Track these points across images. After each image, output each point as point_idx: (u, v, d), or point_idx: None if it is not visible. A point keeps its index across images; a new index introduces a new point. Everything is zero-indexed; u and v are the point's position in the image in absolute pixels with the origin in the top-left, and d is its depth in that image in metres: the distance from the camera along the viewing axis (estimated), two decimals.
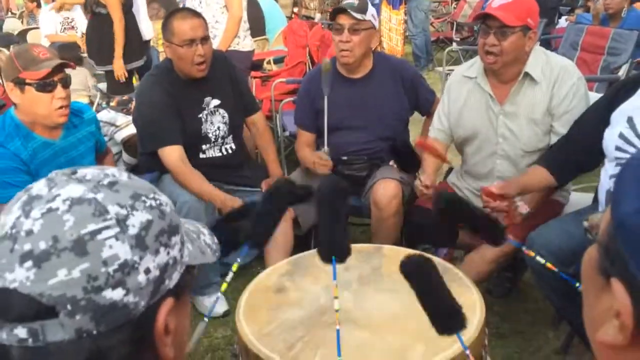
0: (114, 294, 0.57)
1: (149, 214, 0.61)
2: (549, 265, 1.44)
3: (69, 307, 0.55)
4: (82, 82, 4.72)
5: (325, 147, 2.43)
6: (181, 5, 7.75)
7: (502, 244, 1.47)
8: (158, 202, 0.64)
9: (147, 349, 0.60)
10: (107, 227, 0.58)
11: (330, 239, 1.26)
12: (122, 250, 0.58)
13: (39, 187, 0.60)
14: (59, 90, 2.03)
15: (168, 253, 0.62)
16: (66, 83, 2.07)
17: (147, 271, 0.59)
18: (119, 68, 4.24)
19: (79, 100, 4.71)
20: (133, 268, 0.58)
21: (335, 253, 1.24)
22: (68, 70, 2.10)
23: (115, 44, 4.18)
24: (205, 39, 2.48)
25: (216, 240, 0.75)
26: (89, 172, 0.63)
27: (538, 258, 1.47)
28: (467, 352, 1.15)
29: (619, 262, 0.48)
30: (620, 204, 0.49)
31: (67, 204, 0.58)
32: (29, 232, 0.56)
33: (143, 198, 0.62)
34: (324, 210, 1.27)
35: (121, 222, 0.59)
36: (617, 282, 0.48)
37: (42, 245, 0.56)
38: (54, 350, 0.55)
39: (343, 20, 2.44)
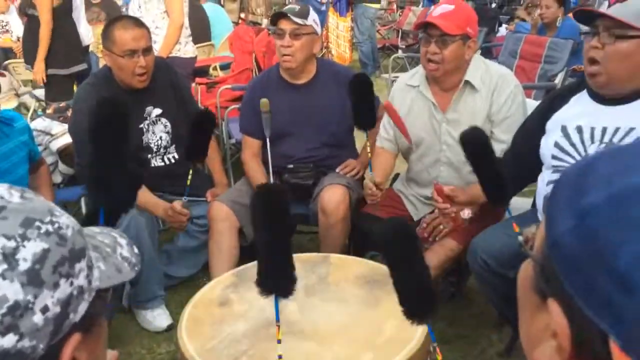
0: (5, 341, 0.49)
1: (44, 242, 0.53)
2: None
3: None
4: (8, 85, 4.57)
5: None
6: (123, 10, 7.57)
7: (502, 205, 1.44)
8: (56, 225, 0.55)
9: None
10: None
11: (272, 273, 1.10)
12: (11, 291, 0.50)
13: None
14: None
15: (71, 284, 0.54)
16: None
17: (45, 310, 0.52)
18: (38, 71, 4.11)
19: (9, 103, 4.53)
20: (26, 309, 0.50)
21: (277, 290, 1.11)
22: None
23: (39, 47, 4.04)
24: (147, 50, 2.42)
25: (136, 251, 0.68)
26: None
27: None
28: (435, 344, 1.10)
29: (554, 282, 0.47)
30: (554, 223, 0.48)
31: None
32: None
33: (37, 223, 0.54)
34: (261, 237, 1.10)
35: (9, 256, 0.51)
36: (553, 303, 0.47)
37: None
38: None
39: (284, 25, 2.43)
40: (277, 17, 2.48)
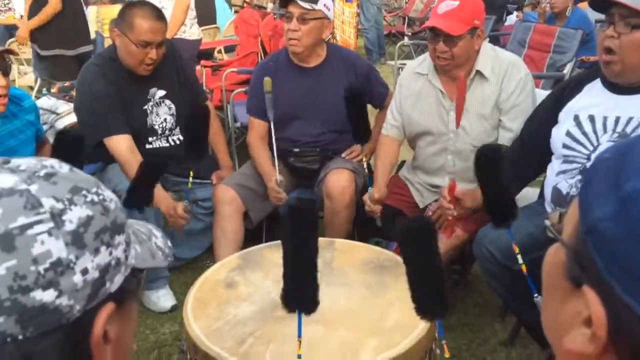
0: (44, 296, 0.51)
1: (89, 209, 0.56)
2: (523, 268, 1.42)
3: None
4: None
5: (277, 176, 2.39)
6: None
7: (503, 227, 1.42)
8: (101, 197, 0.58)
9: (82, 358, 0.55)
10: (39, 222, 0.52)
11: (297, 289, 1.09)
12: (56, 248, 0.52)
13: None
14: None
15: (110, 253, 0.57)
16: (6, 71, 1.94)
17: (85, 272, 0.54)
18: (23, 34, 4.15)
19: (23, 80, 4.52)
20: (68, 267, 0.52)
21: (301, 307, 1.09)
22: None
23: (35, 17, 4.06)
24: (161, 44, 2.39)
25: (170, 244, 0.70)
26: (25, 162, 0.57)
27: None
28: (443, 342, 1.09)
29: (591, 269, 0.45)
30: (591, 209, 0.46)
31: None
32: None
33: (84, 192, 0.57)
34: (289, 254, 1.08)
35: (56, 216, 0.53)
36: (590, 291, 0.45)
37: None
38: None
39: (292, 8, 2.41)
40: (285, 0, 2.45)
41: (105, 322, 0.55)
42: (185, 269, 2.73)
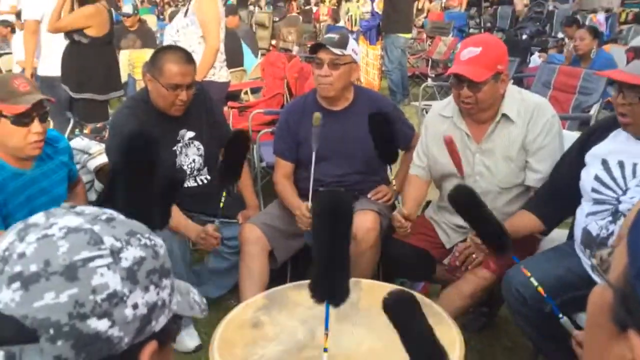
0: (99, 324, 0.56)
1: (143, 251, 0.62)
2: (540, 290, 1.47)
3: (51, 331, 0.53)
4: None
5: (310, 202, 2.41)
6: (158, 35, 7.75)
7: (506, 255, 1.47)
8: (152, 242, 0.64)
9: None
10: (100, 256, 0.58)
11: (328, 279, 1.07)
12: (113, 281, 0.57)
13: (37, 217, 0.61)
14: (36, 125, 1.96)
15: (158, 293, 0.62)
16: (44, 117, 2.01)
17: (135, 306, 0.58)
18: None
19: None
20: (121, 300, 0.57)
21: (331, 298, 1.07)
22: None
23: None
24: (190, 86, 2.47)
25: (205, 301, 0.75)
26: (88, 208, 0.64)
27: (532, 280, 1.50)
28: None
29: (636, 311, 0.46)
30: (638, 253, 0.47)
31: (63, 231, 0.58)
32: (21, 255, 0.56)
33: (138, 236, 0.63)
34: (320, 239, 1.06)
35: (115, 253, 0.59)
36: (636, 336, 0.46)
37: (33, 268, 0.55)
38: None
39: (323, 55, 2.45)
40: (316, 47, 2.51)
41: (149, 357, 0.59)
42: (210, 308, 2.71)
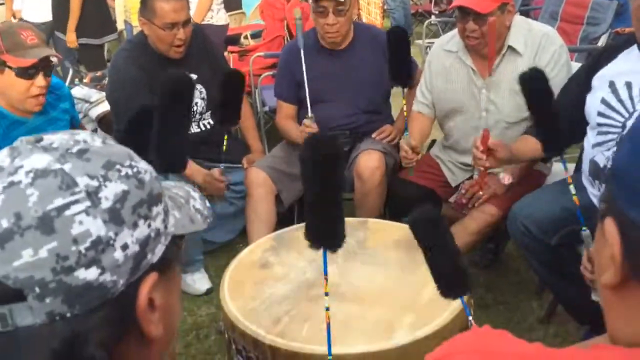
0: (88, 274, 0.52)
1: (124, 184, 0.56)
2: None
3: (37, 290, 0.50)
4: None
5: (309, 113, 2.38)
6: None
7: (554, 154, 1.51)
8: (135, 169, 0.58)
9: (131, 329, 0.56)
10: (76, 202, 0.52)
11: (321, 226, 1.08)
12: (95, 226, 0.52)
13: (1, 157, 0.55)
14: (40, 79, 1.93)
15: (149, 225, 0.57)
16: (49, 72, 1.98)
17: (125, 247, 0.54)
18: (71, 41, 4.20)
19: None
20: (108, 245, 0.53)
21: (327, 243, 1.08)
22: None
23: (70, 17, 4.12)
24: (187, 22, 2.40)
25: (208, 204, 0.69)
26: (57, 138, 0.57)
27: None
28: (470, 318, 1.11)
29: (612, 204, 0.52)
30: (615, 157, 0.55)
31: (30, 176, 0.53)
32: None
33: (117, 166, 0.56)
34: (310, 186, 1.06)
35: (92, 194, 0.53)
36: (608, 219, 0.52)
37: (4, 224, 0.51)
38: (26, 335, 0.51)
39: (326, 2, 2.36)
40: None
41: (149, 292, 0.56)
42: (219, 252, 2.77)
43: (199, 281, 2.52)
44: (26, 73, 1.91)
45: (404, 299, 1.48)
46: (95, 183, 0.54)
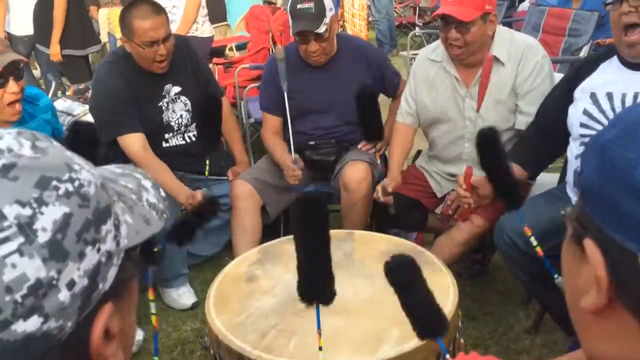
0: (28, 325, 0.43)
1: (64, 205, 0.45)
2: (538, 250, 1.44)
3: None
4: None
5: (293, 155, 2.39)
6: None
7: (517, 207, 1.47)
8: (77, 183, 0.47)
9: None
10: (5, 239, 0.42)
11: (313, 283, 1.09)
12: (32, 268, 0.43)
13: None
14: (11, 85, 1.90)
15: (98, 250, 0.47)
16: (19, 76, 1.94)
17: (71, 285, 0.45)
18: (55, 54, 4.17)
19: None
20: (50, 287, 0.44)
21: (319, 299, 1.10)
22: None
23: (54, 29, 4.09)
24: (167, 38, 2.38)
25: (162, 194, 0.60)
26: None
27: (532, 239, 1.48)
28: (447, 356, 1.10)
29: (589, 224, 0.50)
30: (583, 171, 0.52)
31: None
32: None
33: (54, 183, 0.46)
34: (302, 246, 1.09)
35: (25, 227, 0.43)
36: (588, 241, 0.50)
37: None
38: None
39: (307, 33, 2.37)
40: (298, 34, 2.39)
41: (104, 325, 0.48)
42: (204, 266, 2.74)
43: (184, 295, 2.49)
44: None
45: (391, 312, 1.45)
46: (27, 212, 0.43)
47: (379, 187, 2.26)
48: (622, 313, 0.49)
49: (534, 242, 1.46)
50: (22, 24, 4.31)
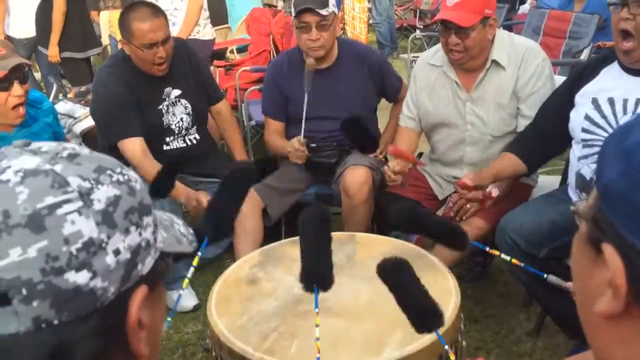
0: (78, 277, 0.49)
1: (116, 188, 0.54)
2: (514, 261, 1.46)
3: (24, 291, 0.47)
4: None
5: (302, 135, 2.38)
6: None
7: (464, 248, 1.48)
8: (126, 177, 0.56)
9: (119, 343, 0.53)
10: (68, 201, 0.50)
11: (314, 270, 1.21)
12: (87, 227, 0.50)
13: None
14: (16, 88, 1.91)
15: (140, 234, 0.54)
16: (23, 80, 1.95)
17: (117, 252, 0.52)
18: (54, 55, 4.19)
19: None
20: (100, 247, 0.51)
21: (318, 284, 1.20)
22: None
23: (53, 31, 4.11)
24: (166, 40, 2.38)
25: (191, 231, 0.68)
26: (46, 144, 0.55)
27: (503, 256, 1.50)
28: (447, 347, 1.14)
29: (607, 227, 0.48)
30: (603, 174, 0.50)
31: (19, 175, 0.50)
32: None
33: (109, 172, 0.55)
34: (307, 241, 1.23)
35: (84, 195, 0.51)
36: (607, 245, 0.48)
37: None
38: (9, 344, 0.47)
39: (309, 18, 2.36)
40: (301, 12, 2.38)
41: (140, 306, 0.54)
42: (205, 268, 2.74)
43: (185, 298, 2.49)
44: (1, 86, 1.88)
45: (393, 314, 1.45)
46: (87, 185, 0.52)
47: (386, 169, 2.23)
48: (637, 319, 0.48)
49: (507, 258, 1.49)
50: (22, 27, 4.32)
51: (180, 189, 2.36)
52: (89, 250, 0.50)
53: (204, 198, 2.30)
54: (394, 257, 1.14)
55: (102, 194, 0.52)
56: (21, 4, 4.29)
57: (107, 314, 0.51)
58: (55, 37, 4.13)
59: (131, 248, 0.53)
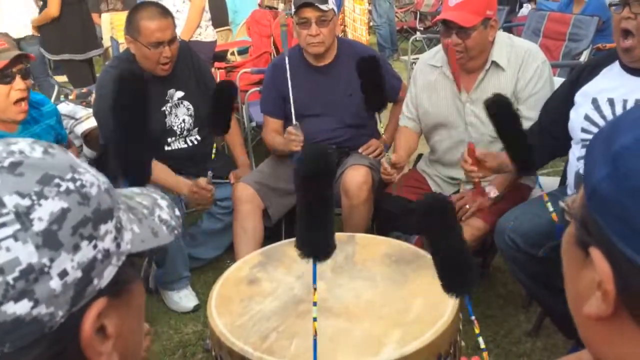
0: (18, 308, 0.45)
1: (63, 200, 0.49)
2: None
3: None
4: None
5: (294, 121, 2.39)
6: None
7: (529, 173, 1.55)
8: (78, 183, 0.50)
9: None
10: (2, 225, 0.46)
11: (312, 236, 1.09)
12: (24, 253, 0.46)
13: None
14: (18, 82, 1.92)
15: (95, 246, 0.50)
16: (26, 74, 1.96)
17: (64, 274, 0.47)
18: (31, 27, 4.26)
19: None
20: (42, 273, 0.46)
21: (317, 252, 1.09)
22: None
23: (40, 17, 4.17)
24: (172, 40, 2.41)
25: (177, 213, 0.63)
26: None
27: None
28: (473, 317, 1.11)
29: (595, 231, 0.48)
30: (590, 176, 0.49)
31: None
32: None
33: (56, 181, 0.49)
34: (303, 199, 1.08)
35: (22, 216, 0.46)
36: (595, 250, 0.48)
37: None
38: None
39: (309, 13, 2.39)
40: (301, 6, 2.41)
41: (96, 319, 0.50)
42: (206, 269, 2.75)
43: (185, 298, 2.50)
44: (2, 78, 1.90)
45: (392, 314, 1.47)
46: (26, 202, 0.47)
47: (384, 161, 2.22)
48: (626, 321, 0.48)
49: (550, 208, 1.54)
50: (13, 27, 4.32)
51: (180, 182, 2.37)
52: (27, 278, 0.46)
53: (205, 183, 2.32)
54: (437, 198, 1.07)
55: (45, 211, 0.48)
56: (11, 4, 4.30)
57: (57, 338, 0.48)
58: (39, 19, 4.19)
59: (82, 265, 0.49)
